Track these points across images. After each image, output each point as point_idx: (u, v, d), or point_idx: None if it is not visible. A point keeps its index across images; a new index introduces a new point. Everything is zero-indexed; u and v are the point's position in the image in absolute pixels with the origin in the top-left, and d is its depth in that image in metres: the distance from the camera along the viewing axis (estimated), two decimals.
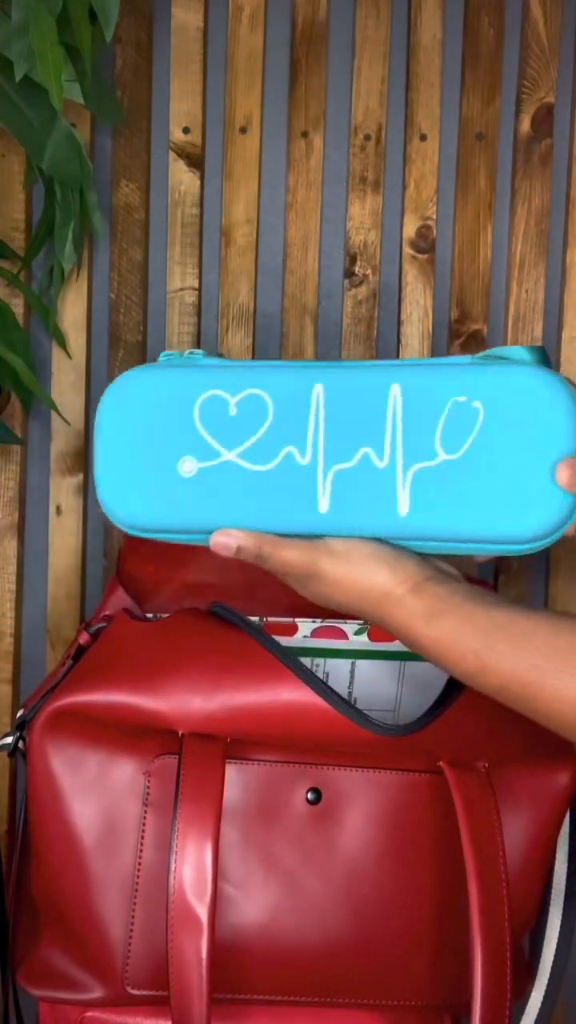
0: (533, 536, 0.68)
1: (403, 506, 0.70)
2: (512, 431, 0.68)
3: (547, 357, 0.71)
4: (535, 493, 0.67)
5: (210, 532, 0.73)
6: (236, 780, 0.79)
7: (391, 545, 0.71)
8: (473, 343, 1.01)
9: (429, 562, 0.72)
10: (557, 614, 0.66)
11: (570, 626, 0.65)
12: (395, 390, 0.70)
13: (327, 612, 0.87)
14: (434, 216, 1.01)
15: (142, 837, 0.78)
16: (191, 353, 0.75)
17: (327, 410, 0.71)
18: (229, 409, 0.72)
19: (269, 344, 1.01)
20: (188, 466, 0.72)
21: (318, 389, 0.71)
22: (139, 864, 0.78)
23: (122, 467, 0.73)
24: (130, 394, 0.74)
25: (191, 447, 0.72)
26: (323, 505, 0.72)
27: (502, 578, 1.02)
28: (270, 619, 0.86)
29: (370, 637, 0.86)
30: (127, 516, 0.74)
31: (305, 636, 0.86)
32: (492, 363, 0.70)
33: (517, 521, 0.68)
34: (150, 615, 0.85)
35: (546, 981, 0.83)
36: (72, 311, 1.01)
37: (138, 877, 0.78)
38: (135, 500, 0.73)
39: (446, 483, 0.69)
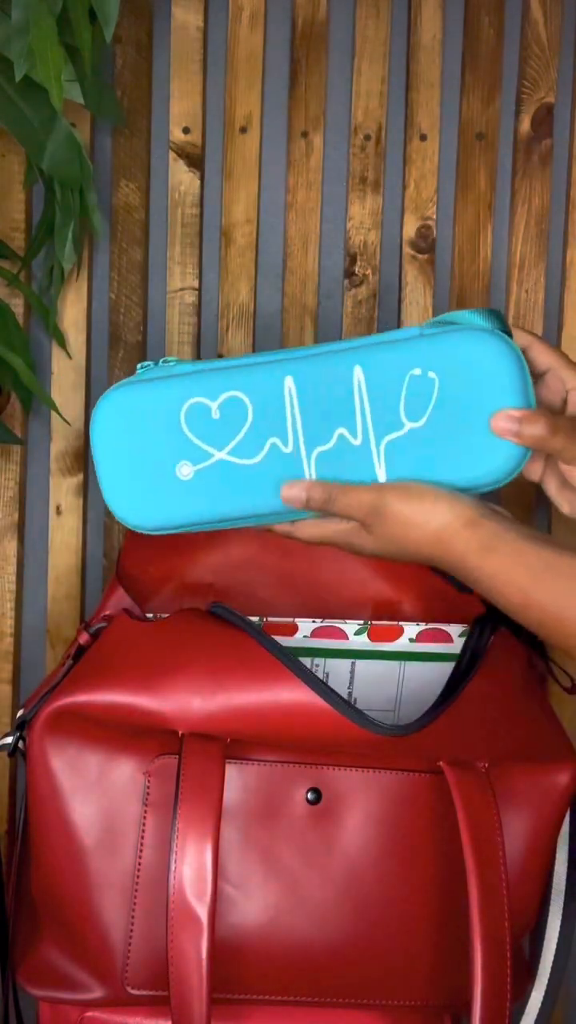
0: (495, 480, 0.75)
1: (381, 475, 0.76)
2: (464, 394, 0.75)
3: (499, 316, 0.76)
4: (489, 446, 0.74)
5: (217, 523, 0.78)
6: (236, 780, 0.79)
7: (445, 486, 0.75)
8: None
9: (483, 502, 0.76)
10: None
11: None
12: (358, 372, 0.76)
13: (327, 612, 0.87)
14: (434, 216, 1.01)
15: (142, 837, 0.78)
16: (165, 362, 0.80)
17: (300, 400, 0.77)
18: (212, 413, 0.78)
19: (269, 344, 1.01)
20: (185, 470, 0.78)
21: (289, 382, 0.77)
22: (139, 864, 0.78)
23: (124, 479, 0.79)
24: (117, 412, 0.79)
25: (184, 452, 0.78)
26: None
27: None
28: (270, 619, 0.86)
29: (370, 637, 0.86)
30: (138, 520, 0.79)
31: (305, 636, 0.86)
32: (441, 333, 0.76)
33: (480, 470, 0.75)
34: (150, 615, 0.85)
35: (546, 981, 0.83)
36: (72, 311, 1.01)
37: (138, 877, 0.78)
38: (141, 504, 0.79)
39: (415, 449, 0.75)
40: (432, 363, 0.75)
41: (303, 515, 0.78)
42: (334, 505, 0.76)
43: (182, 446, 0.78)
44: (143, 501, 0.78)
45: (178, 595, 0.88)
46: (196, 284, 1.01)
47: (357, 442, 0.76)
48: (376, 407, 0.76)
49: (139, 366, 0.80)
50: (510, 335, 0.75)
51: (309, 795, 0.80)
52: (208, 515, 0.78)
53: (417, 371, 0.75)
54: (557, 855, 0.84)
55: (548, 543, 0.72)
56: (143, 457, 0.78)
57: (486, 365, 0.74)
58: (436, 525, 0.73)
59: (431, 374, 0.75)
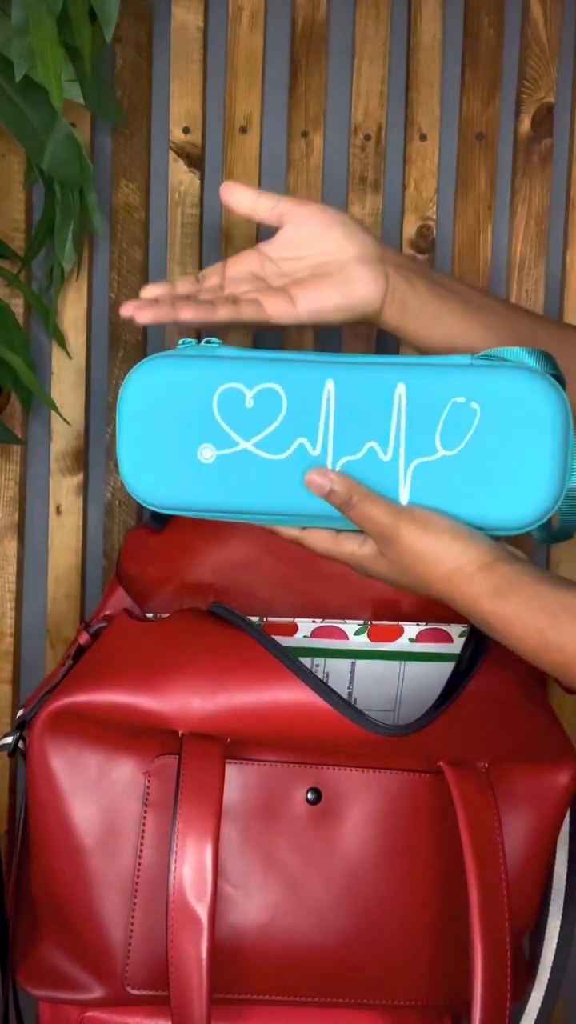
0: (520, 526, 0.73)
1: (404, 496, 0.74)
2: (505, 431, 0.73)
3: (548, 358, 0.75)
4: (523, 488, 0.73)
5: (227, 513, 0.76)
6: (236, 780, 0.79)
7: (463, 522, 0.74)
8: None
9: (499, 543, 0.74)
10: None
11: None
12: (400, 389, 0.74)
13: (327, 612, 0.87)
14: (434, 216, 1.01)
15: (142, 837, 0.78)
16: (208, 342, 0.78)
17: (337, 405, 0.75)
18: (246, 401, 0.76)
19: (269, 344, 1.01)
20: (207, 453, 0.76)
21: (329, 385, 0.75)
22: (139, 864, 0.78)
23: (144, 449, 0.77)
24: (153, 382, 0.77)
25: (210, 435, 0.76)
26: None
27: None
28: (270, 619, 0.86)
29: (370, 637, 0.86)
30: (148, 495, 0.77)
31: (305, 636, 0.86)
32: (490, 365, 0.74)
33: (506, 512, 0.73)
34: (150, 615, 0.85)
35: (546, 981, 0.83)
36: (72, 311, 1.01)
37: (138, 877, 0.78)
38: (156, 480, 0.77)
39: (443, 477, 0.73)
40: (477, 393, 0.73)
41: (314, 522, 0.76)
42: (352, 510, 0.73)
43: (209, 429, 0.76)
44: (159, 477, 0.77)
45: (178, 595, 0.88)
46: None
47: (386, 458, 0.74)
48: (412, 427, 0.74)
49: (180, 342, 0.79)
50: (561, 380, 0.74)
51: (309, 795, 0.80)
52: (220, 503, 0.76)
53: (461, 399, 0.73)
54: (557, 855, 0.84)
55: (565, 585, 0.71)
56: (168, 432, 0.76)
57: (531, 405, 0.72)
58: (448, 567, 0.72)
59: (474, 404, 0.73)
